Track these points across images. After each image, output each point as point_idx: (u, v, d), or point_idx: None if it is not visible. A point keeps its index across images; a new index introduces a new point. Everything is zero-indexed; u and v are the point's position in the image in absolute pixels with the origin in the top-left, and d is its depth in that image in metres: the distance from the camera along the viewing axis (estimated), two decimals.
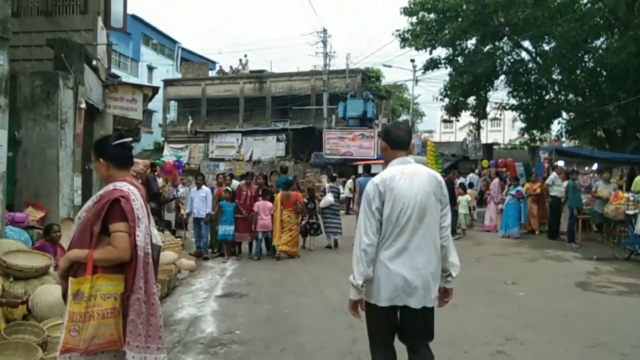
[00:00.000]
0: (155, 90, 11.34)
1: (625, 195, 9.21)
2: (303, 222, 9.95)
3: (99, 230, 2.56)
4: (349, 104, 25.93)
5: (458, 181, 14.35)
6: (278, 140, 27.31)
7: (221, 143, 28.63)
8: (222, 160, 27.98)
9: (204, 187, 9.91)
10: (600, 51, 16.31)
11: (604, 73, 15.95)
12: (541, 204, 13.01)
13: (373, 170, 23.08)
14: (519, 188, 12.77)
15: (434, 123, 54.23)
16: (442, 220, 2.86)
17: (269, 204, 9.36)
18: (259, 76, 32.70)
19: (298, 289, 6.91)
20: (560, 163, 14.55)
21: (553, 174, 11.77)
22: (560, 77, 18.29)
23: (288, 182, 9.96)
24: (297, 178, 16.06)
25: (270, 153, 26.98)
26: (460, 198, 12.62)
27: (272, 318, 5.53)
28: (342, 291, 6.26)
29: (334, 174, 14.39)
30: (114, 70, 27.12)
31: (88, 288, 2.47)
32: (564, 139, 21.29)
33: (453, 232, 10.82)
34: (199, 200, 9.49)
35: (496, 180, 14.35)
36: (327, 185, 11.11)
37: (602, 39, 16.92)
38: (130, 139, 2.80)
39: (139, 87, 10.76)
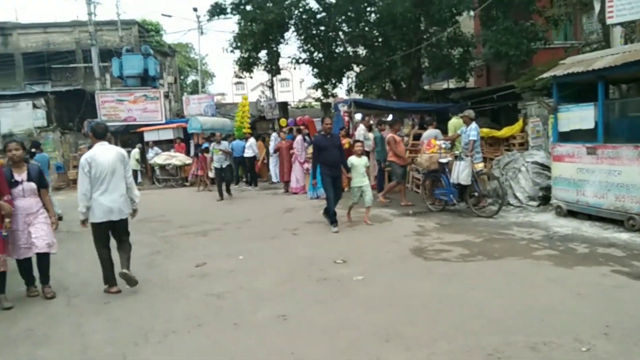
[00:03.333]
0: None
1: (438, 142, 8.70)
2: None
3: None
4: (125, 60, 22.11)
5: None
6: (35, 106, 21.79)
7: None
8: None
9: None
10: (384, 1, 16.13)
11: (390, 24, 15.81)
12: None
13: (162, 137, 20.19)
14: None
15: (225, 84, 52.14)
16: (126, 173, 5.30)
17: None
18: (2, 27, 25.91)
19: None
20: (358, 116, 14.05)
21: (361, 127, 10.92)
22: (349, 29, 17.85)
23: None
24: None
25: (26, 123, 21.44)
26: (352, 160, 8.15)
27: None
28: None
29: None
30: None
31: None
32: (353, 93, 21.29)
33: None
34: None
35: (299, 137, 13.07)
36: None
37: None
38: None
39: None
